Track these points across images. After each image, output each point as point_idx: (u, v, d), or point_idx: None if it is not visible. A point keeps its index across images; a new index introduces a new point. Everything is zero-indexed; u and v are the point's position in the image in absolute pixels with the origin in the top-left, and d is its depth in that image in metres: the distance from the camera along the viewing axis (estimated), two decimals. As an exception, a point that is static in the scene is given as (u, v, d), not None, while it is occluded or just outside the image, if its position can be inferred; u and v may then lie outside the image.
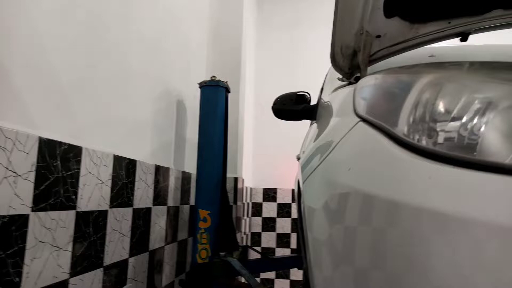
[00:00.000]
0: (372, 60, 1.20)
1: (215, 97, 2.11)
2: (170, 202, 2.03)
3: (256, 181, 4.15)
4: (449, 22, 1.18)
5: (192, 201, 2.37)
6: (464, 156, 0.50)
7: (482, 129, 0.50)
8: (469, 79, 0.56)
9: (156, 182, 1.84)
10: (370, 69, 1.19)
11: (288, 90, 4.38)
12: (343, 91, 1.08)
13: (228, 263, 1.94)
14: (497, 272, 0.41)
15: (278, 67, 4.29)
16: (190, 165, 2.32)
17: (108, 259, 1.39)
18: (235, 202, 2.81)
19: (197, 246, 2.03)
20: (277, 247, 4.09)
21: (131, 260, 1.59)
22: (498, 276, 0.41)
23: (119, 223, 1.48)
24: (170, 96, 2.09)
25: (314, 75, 3.98)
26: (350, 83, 1.24)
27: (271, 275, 4.01)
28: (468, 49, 1.37)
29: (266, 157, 4.16)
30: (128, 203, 1.56)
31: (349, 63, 1.20)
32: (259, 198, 4.15)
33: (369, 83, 0.80)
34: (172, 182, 2.06)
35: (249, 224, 4.03)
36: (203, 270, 1.98)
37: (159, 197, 1.88)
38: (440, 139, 0.54)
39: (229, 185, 2.79)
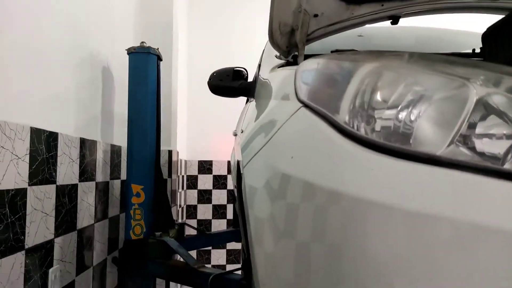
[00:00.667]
0: (309, 39, 1.21)
1: (145, 65, 1.98)
2: (99, 178, 1.91)
3: (191, 154, 4.08)
4: (382, 5, 1.23)
5: (124, 175, 2.26)
6: (399, 147, 0.51)
7: (417, 119, 0.52)
8: (407, 69, 0.57)
9: (82, 156, 1.71)
10: (307, 48, 1.20)
11: (222, 60, 4.30)
12: (282, 72, 1.07)
13: (165, 242, 1.88)
14: (432, 260, 0.44)
15: (212, 37, 4.16)
16: (120, 138, 2.19)
17: (30, 241, 1.27)
18: (170, 175, 2.73)
19: (131, 222, 1.94)
20: (213, 218, 4.10)
21: (58, 240, 1.47)
22: (432, 260, 0.44)
23: (41, 202, 1.35)
24: (95, 63, 1.92)
25: (249, 45, 3.93)
26: (288, 62, 1.25)
27: (208, 247, 4.03)
28: (393, 30, 1.43)
29: (201, 129, 4.08)
30: (51, 180, 1.42)
31: (287, 41, 1.20)
32: (194, 171, 4.09)
33: (311, 67, 0.79)
34: (101, 156, 1.93)
35: (185, 197, 3.97)
36: (137, 247, 1.91)
37: (86, 172, 1.75)
38: (378, 128, 0.55)
39: (163, 158, 2.70)
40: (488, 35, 0.77)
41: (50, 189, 1.42)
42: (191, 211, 4.07)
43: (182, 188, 3.79)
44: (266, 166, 0.77)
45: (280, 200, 0.67)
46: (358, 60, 0.65)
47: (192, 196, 4.09)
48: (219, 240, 2.65)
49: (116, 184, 2.17)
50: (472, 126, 0.48)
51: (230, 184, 4.11)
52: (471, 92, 0.48)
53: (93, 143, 1.84)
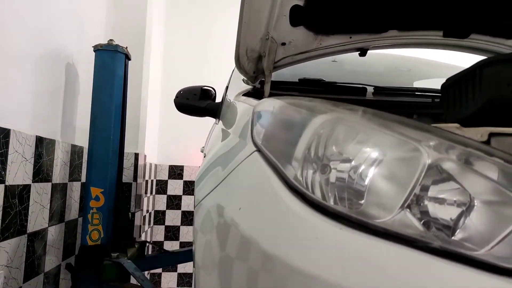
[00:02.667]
0: (276, 67, 1.21)
1: (112, 63, 1.91)
2: (56, 179, 1.81)
3: (162, 158, 3.99)
4: (350, 37, 1.26)
5: (84, 178, 2.16)
6: (347, 214, 0.49)
7: (369, 178, 0.50)
8: (361, 125, 0.56)
9: (38, 155, 1.61)
10: (274, 74, 1.20)
11: (199, 64, 4.25)
12: (244, 106, 1.05)
13: (121, 265, 1.79)
14: None
15: (189, 40, 4.11)
16: (82, 138, 2.10)
17: (-33, 245, 1.18)
18: (135, 179, 2.64)
19: (88, 227, 1.85)
20: (182, 225, 4.01)
21: (3, 244, 1.38)
22: None
23: (-15, 203, 1.26)
24: (58, 58, 1.83)
25: (228, 50, 3.90)
26: (254, 89, 1.25)
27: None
28: (366, 57, 1.44)
29: (173, 133, 4.00)
30: (-2, 179, 1.33)
31: (254, 66, 1.20)
32: (164, 175, 4.00)
33: (267, 109, 0.78)
34: (59, 156, 1.83)
35: (153, 202, 3.87)
36: (93, 253, 1.81)
37: (41, 172, 1.66)
38: (328, 186, 0.53)
39: (129, 161, 2.61)
40: (448, 87, 0.77)
41: (-3, 189, 1.33)
42: (159, 216, 3.97)
43: (151, 192, 3.69)
44: (215, 214, 0.76)
45: (223, 252, 0.66)
46: (314, 109, 0.63)
47: (161, 202, 3.98)
48: (181, 259, 2.56)
49: (76, 186, 2.07)
50: (423, 190, 0.46)
51: (201, 190, 4.03)
52: (423, 156, 0.47)
53: (51, 142, 1.75)
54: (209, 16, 4.15)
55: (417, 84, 1.96)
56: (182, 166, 4.04)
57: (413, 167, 0.47)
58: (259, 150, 0.69)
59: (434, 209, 0.46)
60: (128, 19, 2.63)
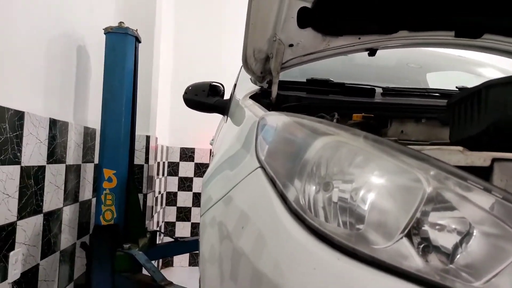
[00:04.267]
0: (284, 67, 1.20)
1: (122, 46, 1.92)
2: (70, 160, 1.85)
3: (174, 140, 4.02)
4: (359, 38, 1.24)
5: (97, 159, 2.20)
6: (346, 244, 0.49)
7: (369, 204, 0.50)
8: (363, 150, 0.56)
9: (52, 137, 1.65)
10: (282, 74, 1.19)
11: (210, 47, 4.22)
12: (250, 113, 1.04)
13: (132, 256, 1.84)
14: None
15: (200, 21, 4.08)
16: (95, 120, 2.13)
17: (-13, 223, 1.22)
18: (146, 161, 2.69)
19: (101, 208, 1.90)
20: (193, 206, 4.07)
21: (20, 223, 1.43)
22: None
23: (2, 183, 1.30)
24: (69, 40, 1.85)
25: (237, 32, 3.87)
26: (261, 90, 1.25)
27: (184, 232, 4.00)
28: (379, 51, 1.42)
29: (185, 116, 4.00)
30: (14, 160, 1.37)
31: (262, 67, 1.19)
32: (176, 158, 4.04)
33: (271, 124, 0.78)
34: (72, 138, 1.87)
35: (165, 184, 3.93)
36: (106, 232, 1.87)
37: (55, 154, 1.70)
38: (329, 209, 0.53)
39: (141, 143, 2.65)
40: (454, 104, 0.76)
41: (14, 169, 1.37)
42: (171, 198, 4.03)
43: (163, 174, 3.74)
44: (219, 229, 0.77)
45: (224, 264, 0.68)
46: (317, 130, 0.63)
47: (172, 183, 4.04)
48: (193, 247, 2.60)
49: (89, 167, 2.12)
50: (423, 217, 0.47)
51: (212, 172, 4.07)
52: (424, 185, 0.48)
53: (65, 124, 1.78)
54: (219, -3, 4.10)
55: (430, 76, 1.93)
56: (193, 149, 4.07)
57: (414, 195, 0.48)
58: (262, 166, 0.70)
59: (433, 236, 0.46)
60: (138, 1, 2.63)
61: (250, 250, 0.61)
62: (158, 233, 2.51)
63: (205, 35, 4.07)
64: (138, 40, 2.02)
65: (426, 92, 1.36)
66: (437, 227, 0.46)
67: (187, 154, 4.07)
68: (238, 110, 1.24)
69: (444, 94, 1.34)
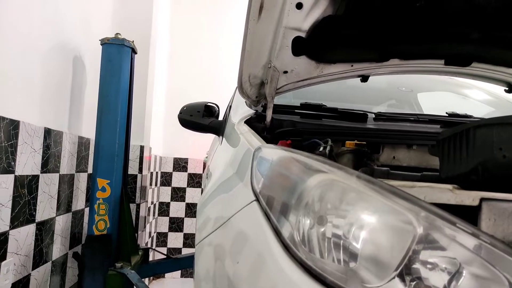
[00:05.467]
0: (278, 93, 1.23)
1: (119, 57, 1.94)
2: (64, 170, 1.85)
3: (167, 150, 4.03)
4: (352, 65, 1.28)
5: (91, 169, 2.20)
6: (338, 284, 0.50)
7: (361, 243, 0.51)
8: (356, 189, 0.57)
9: (46, 147, 1.65)
10: (277, 98, 1.23)
11: (206, 59, 4.24)
12: (245, 142, 1.06)
13: (125, 275, 1.83)
14: None
15: (195, 34, 4.12)
16: (89, 130, 2.13)
17: (-21, 233, 1.22)
18: (140, 171, 2.69)
19: (94, 217, 1.90)
20: (186, 216, 4.05)
21: (13, 232, 1.42)
22: None
23: (-4, 192, 1.30)
24: (65, 51, 1.86)
25: (232, 42, 3.91)
26: (256, 114, 1.28)
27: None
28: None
29: (178, 126, 3.99)
30: (8, 169, 1.37)
31: (257, 92, 1.22)
32: (169, 168, 4.04)
33: (267, 158, 0.80)
34: (67, 147, 1.87)
35: (158, 194, 3.92)
36: (100, 243, 1.86)
37: (50, 163, 1.70)
38: (322, 248, 0.54)
39: (135, 153, 2.65)
40: (443, 141, 0.78)
41: (7, 179, 1.37)
42: (164, 208, 4.02)
43: (156, 184, 3.74)
44: (215, 262, 0.78)
45: None
46: (311, 167, 0.65)
47: (165, 193, 4.03)
48: (185, 264, 2.59)
49: (83, 177, 2.11)
50: (415, 256, 0.48)
51: (205, 183, 4.07)
52: (415, 226, 0.49)
53: (59, 133, 1.78)
54: (216, 8, 4.15)
55: (421, 96, 1.98)
56: (187, 159, 4.07)
57: (406, 236, 0.49)
58: (257, 199, 0.72)
59: (425, 275, 0.47)
60: (134, 13, 2.66)
61: (243, 281, 0.62)
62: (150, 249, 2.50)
63: (201, 46, 4.10)
64: (134, 51, 2.05)
65: (417, 118, 1.40)
66: (429, 266, 0.47)
67: (180, 164, 4.07)
68: (233, 135, 1.26)
69: (434, 120, 1.38)
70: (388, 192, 0.54)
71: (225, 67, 4.00)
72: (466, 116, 1.47)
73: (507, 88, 1.44)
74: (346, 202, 0.56)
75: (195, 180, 4.08)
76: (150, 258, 2.47)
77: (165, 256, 2.50)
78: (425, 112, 1.89)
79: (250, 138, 1.05)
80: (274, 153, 0.78)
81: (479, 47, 1.24)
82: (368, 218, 0.54)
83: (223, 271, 0.71)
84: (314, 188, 0.60)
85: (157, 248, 3.95)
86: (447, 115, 1.47)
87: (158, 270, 2.49)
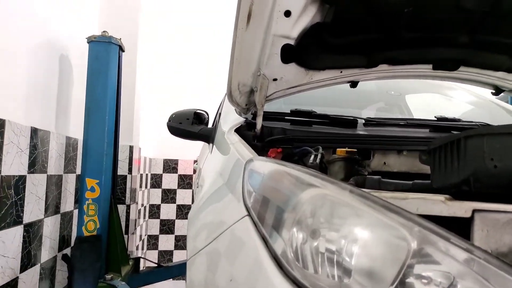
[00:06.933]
0: (268, 100, 1.23)
1: (106, 55, 1.91)
2: (51, 170, 1.81)
3: (157, 152, 3.99)
4: (341, 72, 1.28)
5: (80, 170, 2.16)
6: None
7: (355, 259, 0.51)
8: (348, 204, 0.57)
9: (33, 146, 1.62)
10: (267, 104, 1.23)
11: (194, 56, 4.21)
12: (235, 152, 1.05)
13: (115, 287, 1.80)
14: None
15: (185, 29, 4.09)
16: (77, 131, 2.10)
17: (-36, 234, 1.18)
18: (130, 171, 2.65)
19: (84, 218, 1.86)
20: (177, 218, 4.02)
21: (0, 234, 1.38)
22: None
23: (-19, 192, 1.26)
24: (51, 49, 1.83)
25: (221, 42, 3.89)
26: (246, 122, 1.28)
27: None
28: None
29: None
30: (-6, 169, 1.34)
31: (246, 99, 1.22)
32: (159, 169, 4.00)
33: (258, 171, 0.79)
34: (54, 147, 1.83)
35: (148, 196, 3.87)
36: (89, 244, 1.82)
37: (37, 163, 1.66)
38: (317, 260, 0.54)
39: (124, 153, 2.61)
40: (435, 150, 0.78)
41: (-7, 179, 1.34)
42: (154, 210, 3.98)
43: (146, 186, 3.69)
44: (207, 279, 0.78)
45: None
46: (303, 181, 0.65)
47: (156, 195, 3.99)
48: (177, 273, 2.57)
49: (71, 178, 2.07)
50: (409, 271, 0.48)
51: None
52: (409, 241, 0.49)
53: (46, 133, 1.75)
54: (204, 5, 4.13)
55: (409, 98, 2.00)
56: (177, 160, 4.04)
57: (400, 251, 0.49)
58: (249, 214, 0.71)
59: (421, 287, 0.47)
60: (121, 10, 2.63)
61: None
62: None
63: (190, 44, 4.08)
64: (121, 49, 2.02)
65: (407, 122, 1.41)
66: (423, 280, 0.47)
67: (170, 165, 4.03)
68: (223, 144, 1.26)
69: (423, 125, 1.40)
70: (382, 207, 0.54)
71: (214, 65, 3.98)
72: (454, 120, 1.49)
73: (493, 91, 1.46)
74: (339, 217, 0.56)
75: (185, 181, 4.05)
76: (141, 269, 2.44)
77: (156, 265, 2.47)
78: (413, 113, 1.92)
79: (240, 149, 1.04)
80: (265, 166, 0.77)
81: (466, 51, 1.25)
82: (362, 233, 0.54)
83: None
84: (306, 203, 0.60)
85: (148, 252, 3.90)
86: (435, 119, 1.49)
87: (149, 279, 2.45)
